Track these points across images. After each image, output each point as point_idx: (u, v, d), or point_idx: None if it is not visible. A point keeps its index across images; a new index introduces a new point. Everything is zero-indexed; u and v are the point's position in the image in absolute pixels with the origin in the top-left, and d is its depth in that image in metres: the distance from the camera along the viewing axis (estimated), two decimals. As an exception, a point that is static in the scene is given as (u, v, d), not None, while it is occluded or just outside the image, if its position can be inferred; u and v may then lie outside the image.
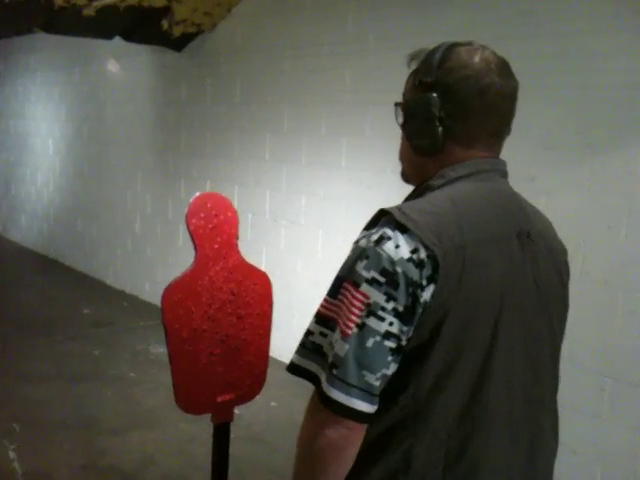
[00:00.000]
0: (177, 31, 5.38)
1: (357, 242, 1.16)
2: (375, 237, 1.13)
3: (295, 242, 4.88)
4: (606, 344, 3.11)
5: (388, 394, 1.13)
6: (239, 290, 2.05)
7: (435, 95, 1.20)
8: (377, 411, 1.13)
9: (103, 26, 5.24)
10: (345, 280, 1.13)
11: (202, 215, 1.97)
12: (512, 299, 1.18)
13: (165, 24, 5.27)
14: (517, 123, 3.56)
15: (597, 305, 3.14)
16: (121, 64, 6.64)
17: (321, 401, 1.12)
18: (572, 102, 3.18)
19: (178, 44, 5.62)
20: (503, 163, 1.29)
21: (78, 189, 7.71)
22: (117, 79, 6.80)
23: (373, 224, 1.18)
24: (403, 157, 1.34)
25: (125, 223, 6.80)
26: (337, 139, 4.47)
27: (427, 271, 1.09)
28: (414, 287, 1.09)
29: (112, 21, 5.16)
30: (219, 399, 2.07)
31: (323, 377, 1.12)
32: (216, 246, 2.00)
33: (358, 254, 1.13)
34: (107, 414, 4.04)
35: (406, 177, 1.35)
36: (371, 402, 1.11)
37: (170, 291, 1.92)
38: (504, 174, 1.29)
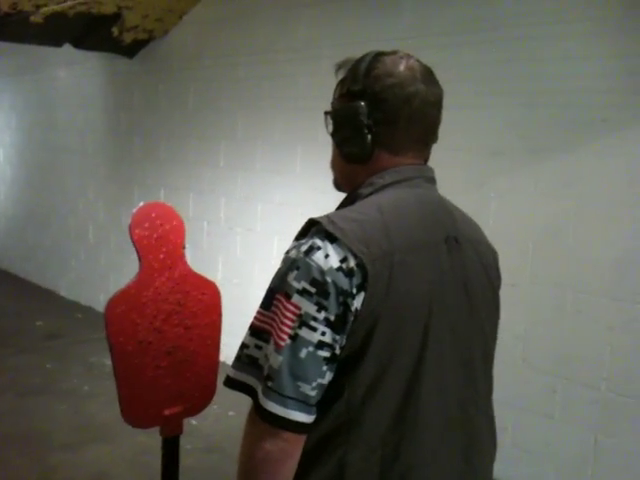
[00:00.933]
0: (128, 38, 5.31)
1: (288, 253, 1.16)
2: (305, 247, 1.13)
3: (251, 249, 4.85)
4: (557, 345, 3.16)
5: (323, 402, 1.13)
6: (186, 301, 2.02)
7: (363, 103, 1.22)
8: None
9: (52, 33, 5.14)
10: (277, 292, 1.13)
11: (146, 225, 1.94)
12: (441, 304, 1.19)
13: (116, 31, 5.20)
14: (466, 129, 3.61)
15: (547, 307, 3.19)
16: (72, 71, 6.53)
17: (258, 414, 1.11)
18: (519, 108, 3.23)
19: (130, 51, 5.56)
20: (430, 170, 1.31)
21: (29, 198, 7.56)
22: (69, 86, 6.69)
23: (303, 234, 1.18)
24: (334, 165, 1.35)
25: (78, 232, 6.68)
26: (292, 146, 4.46)
27: (357, 279, 1.10)
28: (344, 296, 1.09)
29: (61, 28, 5.07)
30: (167, 412, 2.03)
31: (259, 390, 1.11)
32: (161, 256, 1.96)
33: (289, 265, 1.13)
34: (60, 428, 3.95)
35: (338, 185, 1.36)
36: (308, 412, 1.11)
37: (113, 303, 1.88)
38: (432, 180, 1.31)
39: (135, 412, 1.98)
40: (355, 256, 1.10)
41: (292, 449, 1.12)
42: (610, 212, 2.95)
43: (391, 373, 1.14)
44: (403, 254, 1.14)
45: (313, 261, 1.10)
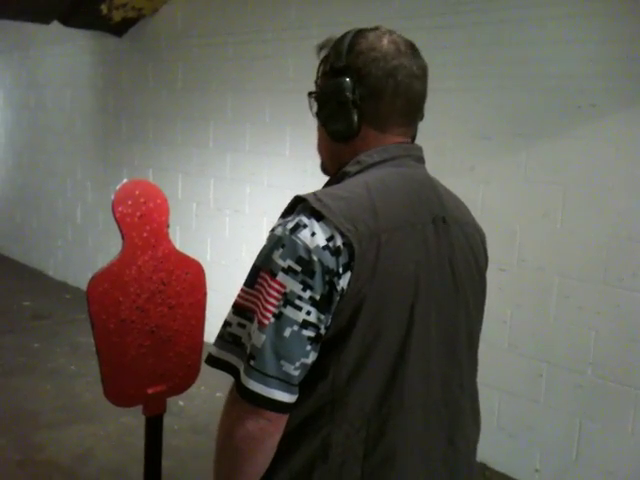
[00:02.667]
0: (117, 16, 5.24)
1: (273, 230, 1.14)
2: (291, 225, 1.11)
3: (240, 231, 4.83)
4: (543, 329, 3.17)
5: (307, 383, 1.12)
6: (170, 280, 2.00)
7: (347, 79, 1.20)
8: (297, 400, 1.12)
9: (39, 10, 5.06)
10: (261, 269, 1.11)
11: (129, 203, 1.92)
12: (427, 285, 1.18)
13: (104, 8, 5.13)
14: (455, 113, 3.59)
15: (533, 291, 3.19)
16: (61, 49, 6.45)
17: (240, 393, 1.09)
18: (507, 91, 3.21)
19: (119, 29, 5.48)
20: (419, 148, 1.30)
21: (17, 178, 7.49)
22: (57, 65, 6.61)
23: (289, 211, 1.16)
24: (320, 147, 1.33)
25: (66, 213, 6.63)
26: (281, 127, 4.43)
27: (343, 258, 1.08)
28: (330, 275, 1.07)
29: (49, 5, 4.99)
30: (150, 391, 2.02)
31: (241, 369, 1.10)
32: (145, 235, 1.94)
33: (274, 243, 1.11)
34: (45, 408, 3.94)
35: (325, 168, 1.35)
36: (290, 392, 1.09)
37: (96, 281, 1.86)
38: (420, 159, 1.29)
39: (117, 390, 1.97)
40: (342, 235, 1.08)
41: (273, 428, 1.11)
42: (598, 197, 2.95)
43: (376, 353, 1.13)
44: (390, 234, 1.13)
45: (299, 239, 1.08)
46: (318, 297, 1.07)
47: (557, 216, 3.08)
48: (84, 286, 6.37)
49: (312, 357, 1.10)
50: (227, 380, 1.15)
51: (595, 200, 2.96)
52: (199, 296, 2.09)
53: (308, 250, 1.07)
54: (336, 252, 1.08)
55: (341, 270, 1.08)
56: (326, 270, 1.07)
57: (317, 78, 1.29)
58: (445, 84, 3.28)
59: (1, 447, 3.45)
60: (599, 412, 3.01)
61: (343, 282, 1.08)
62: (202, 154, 5.05)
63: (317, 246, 1.07)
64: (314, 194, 1.14)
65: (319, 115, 1.27)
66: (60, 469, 3.31)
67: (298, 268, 1.07)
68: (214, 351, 1.15)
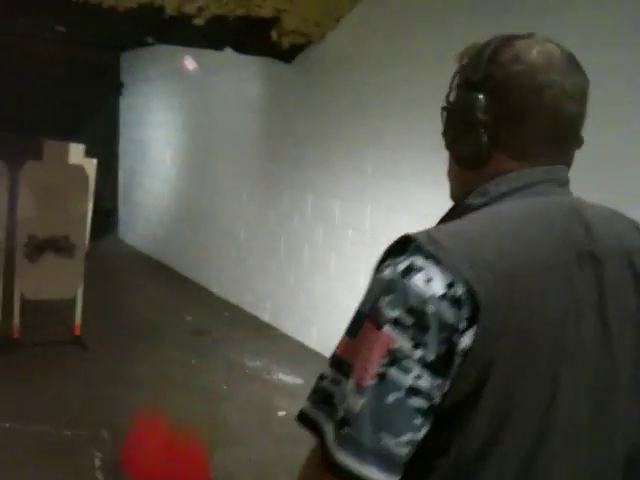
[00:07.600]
0: (286, 41, 5.33)
1: (381, 272, 0.94)
2: (402, 267, 0.91)
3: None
4: None
5: (420, 458, 0.91)
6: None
7: (481, 96, 1.00)
8: None
9: (213, 36, 5.29)
10: (367, 317, 0.92)
11: None
12: (574, 342, 0.95)
13: (274, 35, 5.25)
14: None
15: None
16: (232, 75, 6.71)
17: (326, 465, 0.90)
18: None
19: (287, 55, 5.59)
20: (561, 169, 1.05)
21: (188, 197, 7.87)
22: (229, 90, 6.88)
23: (399, 251, 0.94)
24: (449, 173, 1.14)
25: (231, 232, 6.84)
26: (442, 155, 4.22)
27: (466, 311, 0.88)
28: (449, 331, 0.87)
29: (222, 31, 5.20)
30: None
31: (330, 435, 0.90)
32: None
33: (383, 287, 0.91)
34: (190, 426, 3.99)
35: (454, 197, 1.13)
36: (390, 472, 0.88)
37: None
38: (563, 182, 1.05)
39: None
40: (464, 281, 0.88)
41: None
42: None
43: (512, 428, 0.91)
44: (525, 278, 0.92)
45: (412, 285, 0.89)
46: (432, 357, 0.87)
47: None
48: (243, 305, 6.45)
49: (423, 432, 0.89)
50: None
51: None
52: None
53: (422, 299, 0.88)
54: (457, 303, 0.87)
55: (463, 325, 0.87)
56: (444, 325, 0.87)
57: (449, 90, 1.09)
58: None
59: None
60: None
61: (466, 340, 0.87)
62: (360, 180, 4.96)
63: (433, 295, 0.87)
64: (427, 233, 0.93)
65: (444, 136, 1.09)
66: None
67: (409, 321, 0.88)
68: (307, 407, 0.95)
